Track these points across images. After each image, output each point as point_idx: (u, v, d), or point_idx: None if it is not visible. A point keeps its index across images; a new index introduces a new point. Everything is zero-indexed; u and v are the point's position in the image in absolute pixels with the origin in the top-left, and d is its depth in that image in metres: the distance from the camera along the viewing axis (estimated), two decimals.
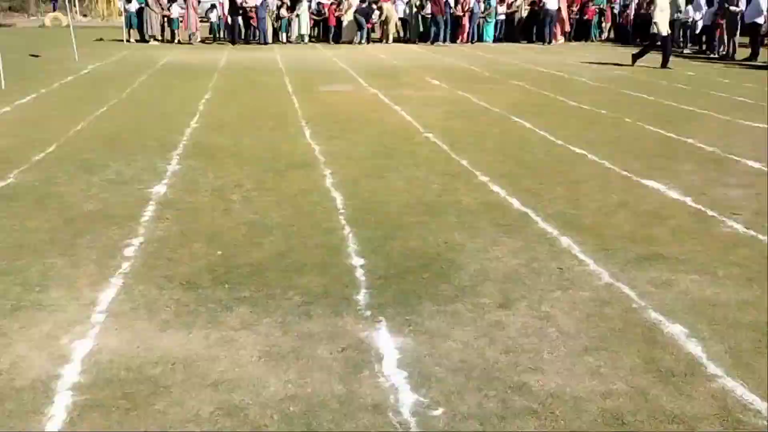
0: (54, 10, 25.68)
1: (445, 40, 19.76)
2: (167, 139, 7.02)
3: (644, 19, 20.26)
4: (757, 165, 6.07)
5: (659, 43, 14.13)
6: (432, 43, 19.70)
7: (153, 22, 19.44)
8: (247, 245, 4.09)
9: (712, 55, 16.88)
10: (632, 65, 14.27)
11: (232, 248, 4.04)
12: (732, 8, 16.12)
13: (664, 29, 14.01)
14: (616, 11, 21.90)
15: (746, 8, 15.95)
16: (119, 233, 4.28)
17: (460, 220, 4.60)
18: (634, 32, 20.97)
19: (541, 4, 20.26)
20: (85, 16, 32.64)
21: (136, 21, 19.72)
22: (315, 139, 7.12)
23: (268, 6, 19.66)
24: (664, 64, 14.06)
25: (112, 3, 32.19)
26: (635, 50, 15.06)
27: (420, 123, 7.99)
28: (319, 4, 21.18)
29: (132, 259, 3.88)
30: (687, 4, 17.66)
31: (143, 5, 19.40)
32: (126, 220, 4.53)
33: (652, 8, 14.47)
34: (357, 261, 3.86)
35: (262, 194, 5.16)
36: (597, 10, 21.35)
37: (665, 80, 12.09)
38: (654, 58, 14.54)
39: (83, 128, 7.56)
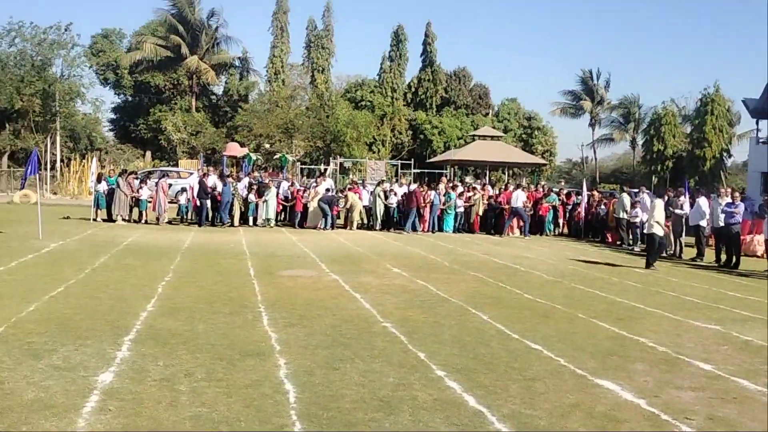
0: (22, 188, 26.02)
1: (409, 229, 20.57)
2: (121, 322, 6.91)
3: (595, 216, 21.54)
4: (707, 367, 6.17)
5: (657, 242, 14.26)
6: (401, 231, 20.51)
7: (121, 202, 19.83)
8: None
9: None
10: (647, 269, 14.04)
11: None
12: (677, 211, 17.19)
13: (660, 230, 14.38)
14: (568, 209, 23.23)
15: (690, 211, 17.01)
16: (57, 425, 4.09)
17: (415, 418, 4.51)
18: (585, 228, 22.09)
19: (499, 200, 21.45)
20: (55, 194, 33.18)
21: (104, 201, 20.13)
22: (272, 326, 7.09)
23: (236, 191, 20.36)
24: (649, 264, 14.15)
25: (82, 183, 32.91)
26: (588, 245, 15.45)
27: (378, 311, 8.05)
28: (288, 188, 22.02)
29: None
30: (633, 207, 18.78)
31: (113, 186, 19.89)
32: (66, 411, 4.34)
33: (650, 211, 14.70)
34: None
35: (212, 385, 5.03)
36: (550, 208, 22.65)
37: (616, 277, 12.52)
38: (602, 254, 15.04)
39: (36, 309, 7.42)
